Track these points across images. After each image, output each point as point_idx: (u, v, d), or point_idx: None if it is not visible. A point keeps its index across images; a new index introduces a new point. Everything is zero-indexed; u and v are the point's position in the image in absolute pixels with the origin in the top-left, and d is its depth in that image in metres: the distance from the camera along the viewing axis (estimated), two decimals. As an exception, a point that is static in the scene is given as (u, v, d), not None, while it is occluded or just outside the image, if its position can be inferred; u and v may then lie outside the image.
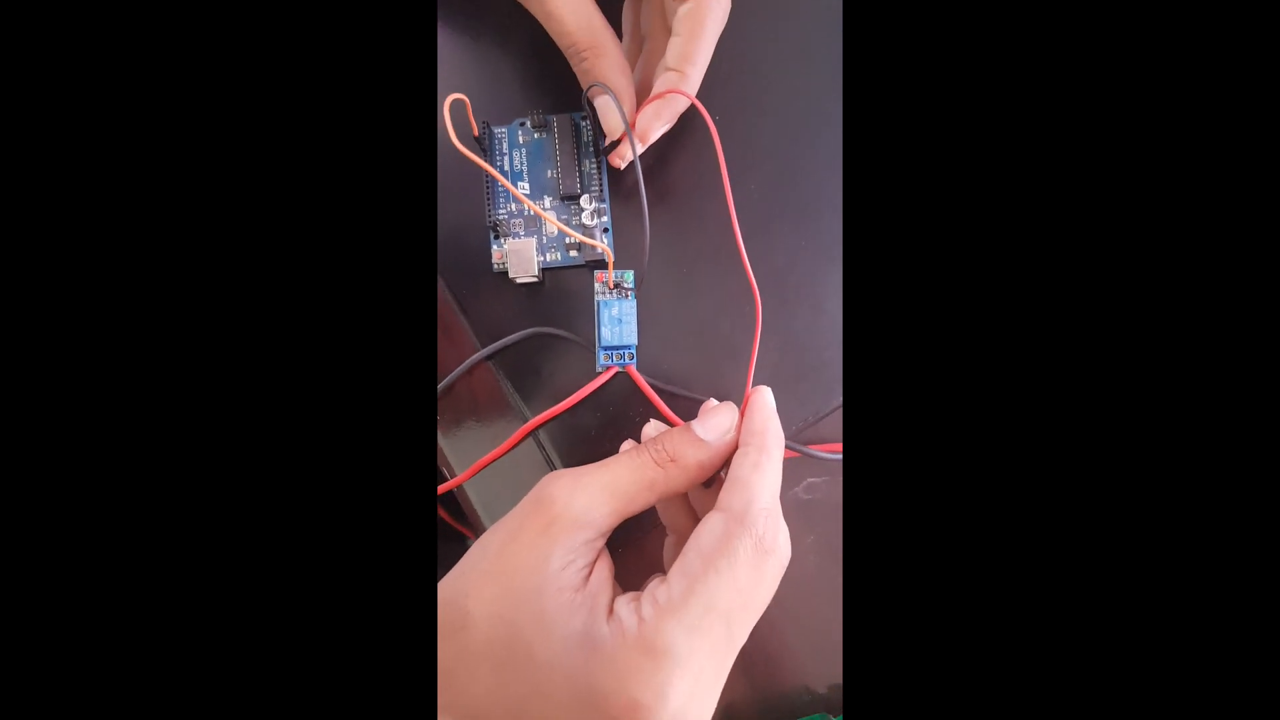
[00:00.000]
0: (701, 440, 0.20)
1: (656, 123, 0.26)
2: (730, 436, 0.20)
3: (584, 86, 0.25)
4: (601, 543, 0.20)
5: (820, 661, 0.26)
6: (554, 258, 0.27)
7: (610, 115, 0.25)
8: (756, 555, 0.18)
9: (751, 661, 0.21)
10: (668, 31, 0.26)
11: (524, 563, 0.18)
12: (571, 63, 0.25)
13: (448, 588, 0.20)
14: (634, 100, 0.25)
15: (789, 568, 0.19)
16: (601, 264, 0.27)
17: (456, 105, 0.24)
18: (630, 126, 0.25)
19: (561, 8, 0.24)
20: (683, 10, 0.24)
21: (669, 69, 0.25)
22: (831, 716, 0.26)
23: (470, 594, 0.19)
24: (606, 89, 0.24)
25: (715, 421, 0.20)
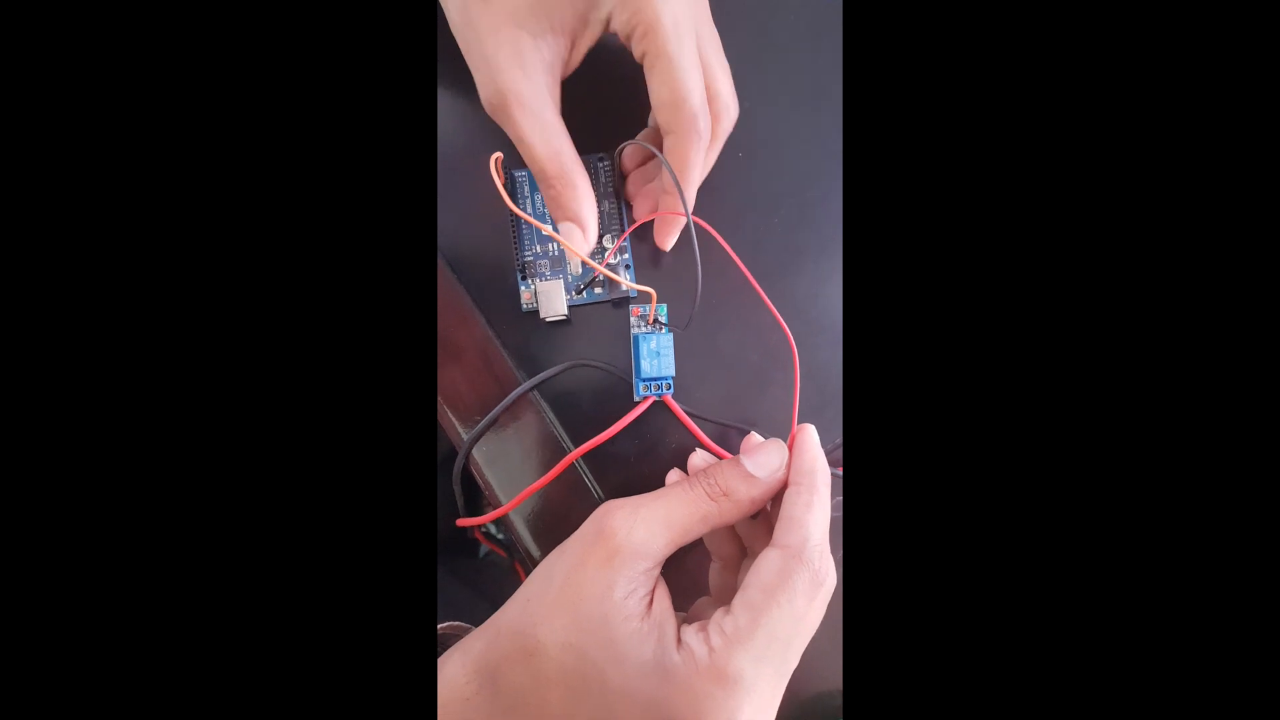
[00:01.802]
0: (753, 477, 0.22)
1: (667, 238, 0.28)
2: (781, 475, 0.22)
3: (550, 212, 0.27)
4: (658, 571, 0.21)
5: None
6: (579, 296, 0.29)
7: (574, 243, 0.26)
8: (812, 588, 0.20)
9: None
10: None
11: (590, 592, 0.20)
12: (540, 188, 0.26)
13: (515, 617, 0.21)
14: (595, 231, 0.27)
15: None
16: (625, 300, 0.29)
17: (496, 162, 0.25)
18: (587, 256, 0.26)
19: (531, 135, 0.24)
20: (669, 141, 0.25)
21: (664, 191, 0.26)
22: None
23: (540, 623, 0.20)
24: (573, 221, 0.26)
25: (765, 459, 0.22)
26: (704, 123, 0.24)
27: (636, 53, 0.24)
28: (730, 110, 0.26)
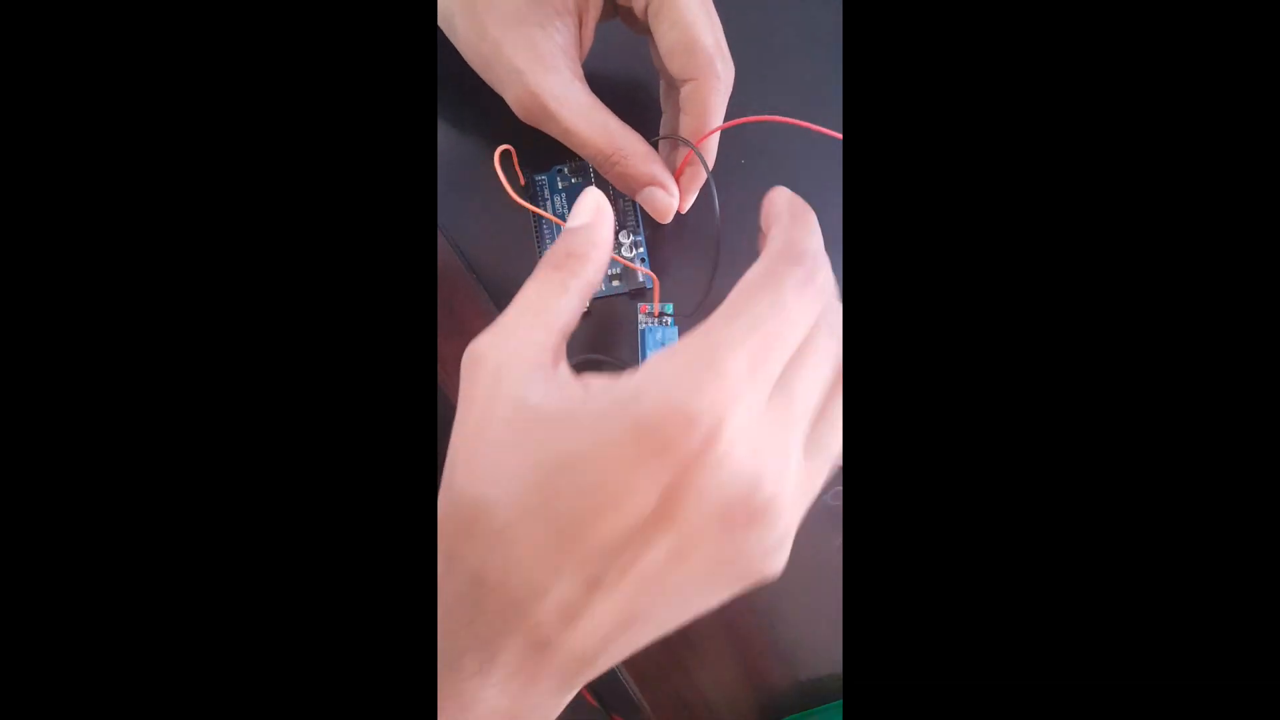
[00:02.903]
0: (576, 229, 0.20)
1: (688, 193, 0.28)
2: (603, 208, 0.20)
3: (621, 189, 0.27)
4: (562, 363, 0.19)
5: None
6: (599, 289, 0.30)
7: (658, 203, 0.26)
8: (801, 283, 0.18)
9: (785, 649, 0.24)
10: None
11: (504, 412, 0.17)
12: (602, 171, 0.26)
13: (445, 499, 0.18)
14: (675, 184, 0.26)
15: (818, 569, 0.22)
16: (641, 292, 0.30)
17: (505, 157, 0.26)
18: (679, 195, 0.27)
19: (572, 122, 0.24)
20: (686, 89, 0.25)
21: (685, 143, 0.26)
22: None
23: (471, 484, 0.17)
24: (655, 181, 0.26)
25: (581, 206, 0.20)
26: (722, 64, 0.24)
27: (639, 6, 0.24)
28: (729, 64, 0.25)
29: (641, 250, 0.30)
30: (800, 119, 0.29)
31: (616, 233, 0.30)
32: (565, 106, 0.24)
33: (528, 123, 0.26)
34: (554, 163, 0.30)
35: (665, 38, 0.24)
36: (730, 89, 0.26)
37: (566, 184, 0.30)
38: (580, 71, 0.25)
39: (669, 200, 0.26)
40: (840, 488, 0.28)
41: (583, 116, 0.25)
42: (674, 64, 0.24)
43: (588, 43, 0.26)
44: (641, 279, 0.29)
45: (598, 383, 0.17)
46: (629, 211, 0.30)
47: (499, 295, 0.30)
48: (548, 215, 0.28)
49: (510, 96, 0.25)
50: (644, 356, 0.28)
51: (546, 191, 0.30)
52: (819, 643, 0.28)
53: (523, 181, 0.29)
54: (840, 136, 0.23)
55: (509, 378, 0.17)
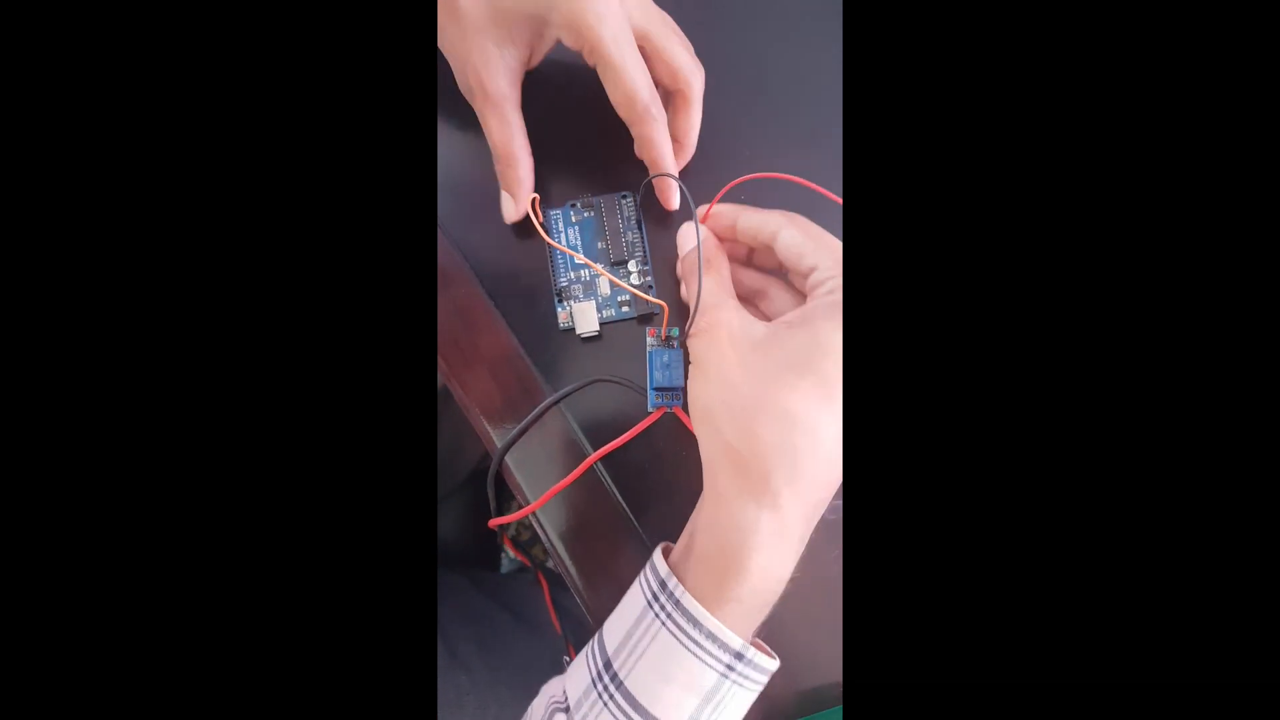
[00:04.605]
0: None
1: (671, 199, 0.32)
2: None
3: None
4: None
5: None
6: (609, 314, 0.32)
7: (505, 209, 0.31)
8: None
9: (785, 659, 0.25)
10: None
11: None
12: (494, 162, 0.31)
13: None
14: (525, 203, 0.31)
15: (817, 581, 0.24)
16: (648, 317, 0.32)
17: (534, 203, 0.29)
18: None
19: (491, 122, 0.30)
20: (635, 133, 0.30)
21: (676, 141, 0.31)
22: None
23: None
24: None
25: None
26: (656, 109, 0.29)
27: (590, 63, 0.29)
28: (696, 75, 0.30)
29: (649, 278, 0.32)
30: (801, 158, 0.32)
31: (625, 262, 0.32)
32: (492, 109, 0.30)
33: (465, 97, 0.31)
34: (566, 199, 0.33)
35: (611, 94, 0.29)
36: (699, 99, 0.31)
37: (579, 217, 0.33)
38: (518, 89, 0.30)
39: (510, 213, 0.31)
40: (840, 502, 0.30)
41: (499, 122, 0.30)
42: (621, 113, 0.30)
43: (534, 64, 0.31)
44: (654, 308, 0.31)
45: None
46: (637, 244, 0.32)
47: (514, 317, 0.32)
48: (561, 248, 0.31)
49: (458, 75, 0.31)
50: (651, 375, 0.29)
51: (560, 224, 0.33)
52: (818, 653, 0.30)
53: (540, 218, 0.32)
54: (840, 200, 0.26)
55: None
